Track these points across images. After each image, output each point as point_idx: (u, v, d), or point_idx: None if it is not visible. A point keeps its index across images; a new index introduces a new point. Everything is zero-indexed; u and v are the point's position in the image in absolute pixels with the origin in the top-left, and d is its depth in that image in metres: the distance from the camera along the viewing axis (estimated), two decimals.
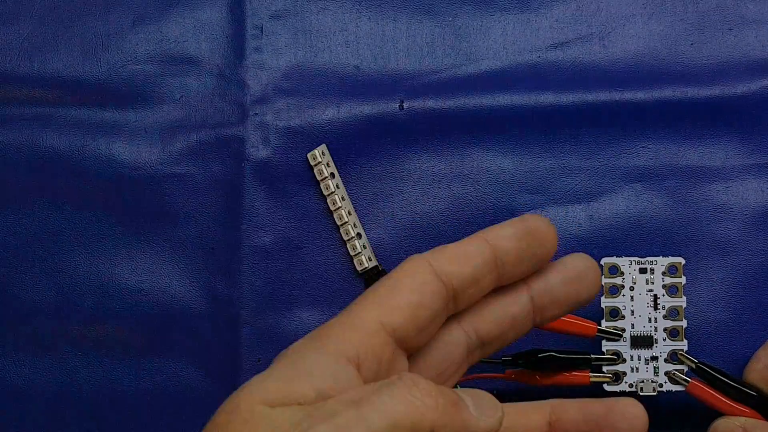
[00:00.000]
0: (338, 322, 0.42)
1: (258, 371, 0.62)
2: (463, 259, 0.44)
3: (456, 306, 0.44)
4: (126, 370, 0.63)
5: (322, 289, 0.64)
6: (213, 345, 0.63)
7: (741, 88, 0.63)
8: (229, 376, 0.63)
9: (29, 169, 0.65)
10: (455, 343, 0.46)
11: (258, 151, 0.64)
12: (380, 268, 0.63)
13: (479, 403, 0.41)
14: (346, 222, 0.63)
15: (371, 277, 0.63)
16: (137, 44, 0.66)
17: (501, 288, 0.46)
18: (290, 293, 0.64)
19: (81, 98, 0.65)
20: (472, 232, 0.63)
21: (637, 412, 0.47)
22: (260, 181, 0.64)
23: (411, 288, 0.42)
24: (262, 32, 0.66)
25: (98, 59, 0.66)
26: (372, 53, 0.66)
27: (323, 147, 0.64)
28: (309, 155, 0.64)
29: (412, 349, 0.43)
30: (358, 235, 0.63)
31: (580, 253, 0.47)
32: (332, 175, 0.64)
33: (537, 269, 0.46)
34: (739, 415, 0.57)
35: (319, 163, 0.64)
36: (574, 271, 0.46)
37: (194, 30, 0.66)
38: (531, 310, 0.46)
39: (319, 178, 0.64)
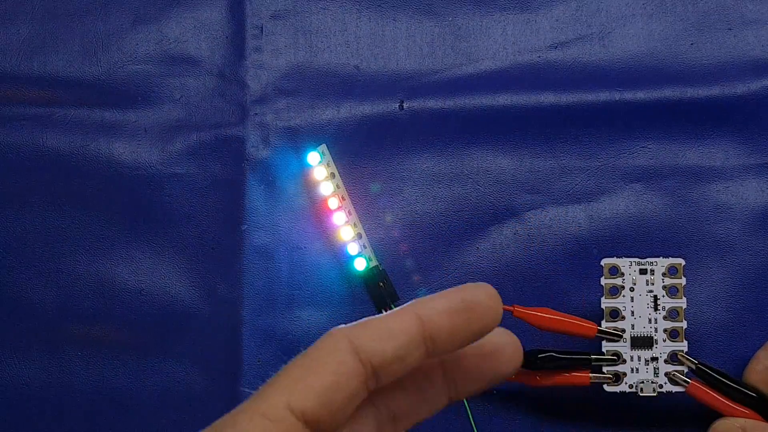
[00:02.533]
0: (247, 407, 0.39)
1: (258, 371, 0.62)
2: (386, 335, 0.39)
3: (378, 383, 0.40)
4: (126, 370, 0.63)
5: (322, 289, 0.64)
6: (213, 345, 0.63)
7: (741, 88, 0.63)
8: (229, 377, 0.63)
9: (29, 169, 0.65)
10: (364, 418, 0.42)
11: (258, 151, 0.64)
12: (380, 268, 0.63)
13: None
14: (346, 222, 0.63)
15: (371, 277, 0.63)
16: (137, 44, 0.66)
17: None
18: (290, 293, 0.64)
19: (81, 98, 0.65)
20: (472, 232, 0.63)
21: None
22: (260, 181, 0.64)
23: (326, 369, 0.39)
24: (262, 32, 0.66)
25: (98, 59, 0.66)
26: (372, 53, 0.66)
27: (323, 147, 0.64)
28: (309, 155, 0.64)
29: (326, 431, 0.40)
30: (359, 235, 0.63)
31: (501, 329, 0.42)
32: (332, 175, 0.64)
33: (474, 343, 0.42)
34: (739, 416, 0.57)
35: (320, 163, 0.64)
36: (491, 347, 0.43)
37: (194, 30, 0.66)
38: (446, 388, 0.43)
39: (319, 178, 0.64)
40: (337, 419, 0.39)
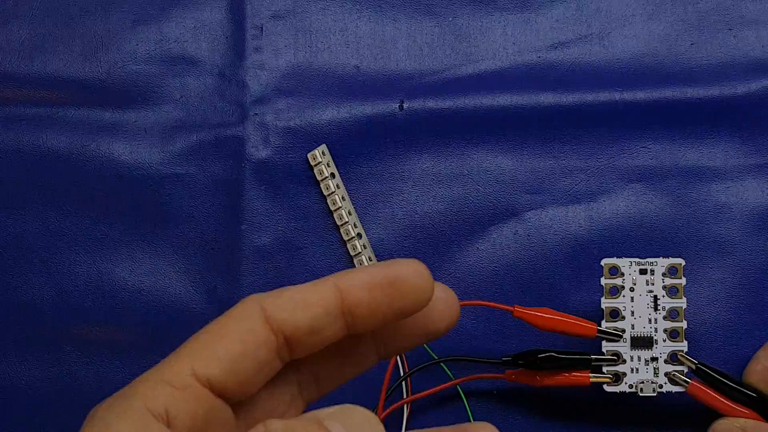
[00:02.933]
0: (150, 375, 0.38)
1: None
2: (301, 306, 0.38)
3: (292, 354, 0.39)
4: (126, 370, 0.63)
5: None
6: None
7: (741, 88, 0.63)
8: None
9: (29, 169, 0.65)
10: (284, 382, 0.41)
11: (258, 151, 0.64)
12: None
13: (350, 426, 0.36)
14: (346, 222, 0.63)
15: None
16: (137, 44, 0.66)
17: None
18: None
19: (81, 98, 0.65)
20: (471, 232, 0.63)
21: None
22: (260, 181, 0.64)
23: (234, 336, 0.37)
24: (262, 32, 0.66)
25: (98, 59, 0.66)
26: (372, 53, 0.66)
27: (323, 147, 0.64)
28: (309, 155, 0.64)
29: (236, 399, 0.38)
30: (359, 235, 0.63)
31: (439, 284, 0.40)
32: (332, 175, 0.64)
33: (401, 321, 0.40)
34: (739, 416, 0.57)
35: (319, 163, 0.64)
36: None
37: (194, 30, 0.66)
38: (373, 346, 0.42)
39: (319, 178, 0.64)
40: (246, 388, 0.38)
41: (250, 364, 0.37)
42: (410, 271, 0.38)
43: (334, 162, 0.64)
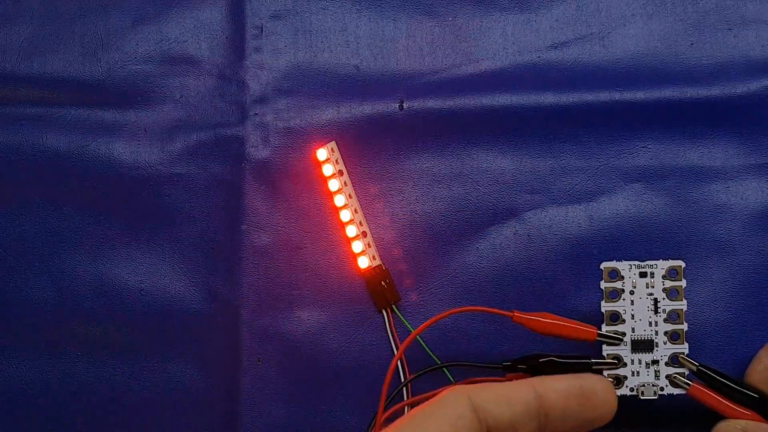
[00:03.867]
0: None
1: (258, 371, 0.63)
2: (504, 401, 0.43)
3: None
4: (126, 370, 0.64)
5: (322, 289, 0.64)
6: (213, 345, 0.63)
7: (741, 88, 0.63)
8: (229, 376, 0.63)
9: (29, 169, 0.65)
10: None
11: (258, 151, 0.64)
12: (383, 268, 0.63)
13: None
14: (352, 219, 0.63)
15: (373, 276, 0.63)
16: (137, 44, 0.66)
17: None
18: (290, 293, 0.64)
19: (81, 98, 0.65)
20: (471, 232, 0.63)
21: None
22: (260, 181, 0.64)
23: (445, 419, 0.42)
24: (262, 32, 0.66)
25: (98, 59, 0.66)
26: (372, 53, 0.66)
27: (332, 144, 0.64)
28: (318, 152, 0.64)
29: None
30: (363, 233, 0.63)
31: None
32: (340, 172, 0.64)
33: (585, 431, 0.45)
34: (741, 418, 0.57)
35: (328, 159, 0.63)
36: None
37: (194, 30, 0.66)
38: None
39: (327, 174, 0.63)
40: None
41: None
42: (602, 386, 0.44)
43: (343, 160, 0.64)
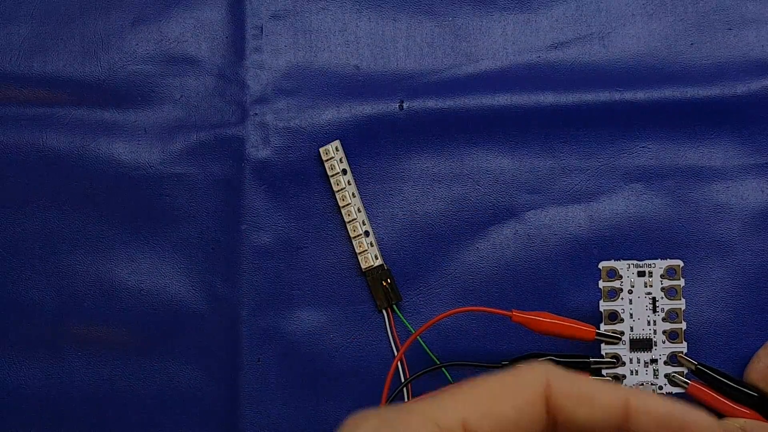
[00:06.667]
0: (420, 407, 0.37)
1: (258, 371, 0.62)
2: (587, 400, 0.37)
3: None
4: (126, 370, 0.63)
5: (322, 289, 0.64)
6: (213, 345, 0.63)
7: (741, 88, 0.63)
8: (229, 376, 0.63)
9: (29, 169, 0.65)
10: None
11: (258, 151, 0.64)
12: (385, 267, 0.63)
13: None
14: (355, 219, 0.63)
15: (374, 276, 0.63)
16: (137, 44, 0.66)
17: None
18: (290, 293, 0.64)
19: (81, 98, 0.65)
20: (471, 232, 0.63)
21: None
22: (260, 181, 0.64)
23: (513, 403, 0.37)
24: (262, 32, 0.66)
25: (98, 59, 0.66)
26: (372, 53, 0.66)
27: (337, 143, 0.64)
28: (321, 150, 0.64)
29: None
30: (366, 233, 0.63)
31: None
32: (344, 171, 0.64)
33: None
34: (740, 417, 0.57)
35: (332, 158, 0.64)
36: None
37: (194, 30, 0.66)
38: None
39: (330, 173, 0.63)
40: None
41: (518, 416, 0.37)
42: (706, 427, 0.38)
43: (347, 158, 0.64)
